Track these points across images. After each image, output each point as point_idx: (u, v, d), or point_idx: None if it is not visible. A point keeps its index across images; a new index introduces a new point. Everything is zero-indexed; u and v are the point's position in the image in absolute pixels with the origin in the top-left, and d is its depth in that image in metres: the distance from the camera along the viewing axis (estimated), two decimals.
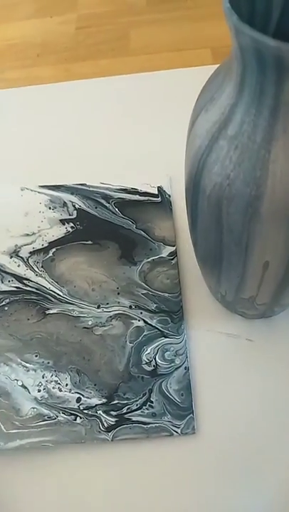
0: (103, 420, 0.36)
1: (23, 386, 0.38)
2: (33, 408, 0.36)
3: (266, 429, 0.35)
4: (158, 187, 0.49)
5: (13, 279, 0.44)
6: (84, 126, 0.55)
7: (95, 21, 0.62)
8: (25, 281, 0.44)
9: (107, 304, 0.42)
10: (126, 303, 0.41)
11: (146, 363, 0.38)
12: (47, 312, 0.42)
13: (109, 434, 0.35)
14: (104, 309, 0.41)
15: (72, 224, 0.48)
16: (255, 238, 0.28)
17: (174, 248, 0.44)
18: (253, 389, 0.36)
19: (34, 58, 0.63)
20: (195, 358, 0.39)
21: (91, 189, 0.50)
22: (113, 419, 0.36)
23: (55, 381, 0.38)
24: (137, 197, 0.49)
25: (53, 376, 0.38)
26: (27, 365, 0.39)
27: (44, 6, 0.65)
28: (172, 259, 0.44)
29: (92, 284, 0.43)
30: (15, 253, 0.46)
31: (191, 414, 0.36)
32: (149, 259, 0.44)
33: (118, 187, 0.50)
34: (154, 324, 0.40)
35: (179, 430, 0.35)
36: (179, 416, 0.36)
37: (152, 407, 0.36)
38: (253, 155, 0.24)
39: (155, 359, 0.38)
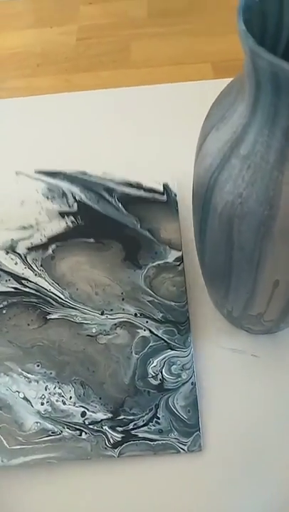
0: (109, 436, 0.35)
1: (25, 399, 0.36)
2: (37, 423, 0.35)
3: (273, 445, 0.35)
4: (164, 184, 0.47)
5: (11, 278, 0.41)
6: (84, 138, 0.54)
7: (96, 33, 0.62)
8: (23, 282, 0.41)
9: (112, 310, 0.40)
10: (131, 310, 0.40)
11: (153, 377, 0.37)
12: (48, 317, 0.39)
13: (116, 450, 0.35)
14: (109, 316, 0.40)
15: (72, 218, 0.45)
16: (267, 256, 0.28)
17: (180, 253, 0.43)
18: (260, 404, 0.37)
19: (34, 68, 0.61)
20: (200, 373, 0.39)
21: (92, 179, 0.47)
22: (119, 436, 0.35)
23: (59, 393, 0.36)
24: (141, 193, 0.46)
25: (56, 388, 0.37)
26: (28, 375, 0.37)
27: (45, 16, 0.66)
28: (178, 265, 0.42)
29: (95, 288, 0.41)
30: (11, 248, 0.43)
31: (198, 432, 0.36)
32: (154, 264, 0.42)
33: (121, 180, 0.47)
34: (160, 335, 0.39)
35: (185, 448, 0.35)
36: (186, 433, 0.35)
37: (159, 423, 0.36)
38: (266, 175, 0.24)
39: (162, 372, 0.37)
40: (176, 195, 0.47)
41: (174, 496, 0.34)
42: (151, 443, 0.35)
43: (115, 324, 0.39)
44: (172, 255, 0.43)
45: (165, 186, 0.47)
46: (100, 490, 0.34)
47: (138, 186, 0.46)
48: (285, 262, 0.28)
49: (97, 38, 0.62)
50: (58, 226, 0.45)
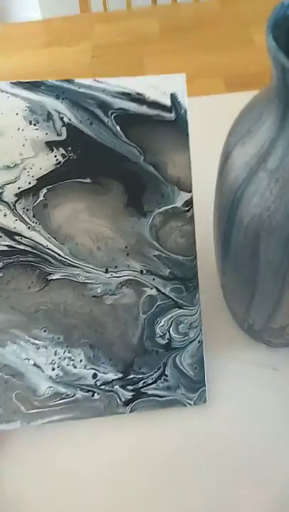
0: (120, 395, 0.37)
1: (35, 365, 0.37)
2: (50, 387, 0.37)
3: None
4: (171, 94, 0.38)
5: (2, 234, 0.37)
6: None
7: (110, 50, 0.65)
8: (16, 238, 0.37)
9: (116, 267, 0.38)
10: (137, 267, 0.38)
11: (160, 336, 0.38)
12: (49, 278, 0.37)
13: (127, 407, 0.38)
14: (114, 274, 0.38)
15: (62, 151, 0.38)
16: None
17: (190, 196, 0.38)
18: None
19: None
20: (217, 385, 0.39)
21: (81, 89, 0.38)
22: (130, 394, 0.38)
23: (69, 357, 0.37)
24: (144, 109, 0.38)
25: (66, 352, 0.37)
26: (36, 342, 0.37)
27: (60, 35, 0.68)
28: (187, 210, 0.38)
29: (96, 241, 0.38)
30: None
31: (204, 387, 0.38)
32: (161, 210, 0.38)
33: (118, 89, 0.38)
34: (167, 293, 0.38)
35: (191, 402, 0.38)
36: (192, 389, 0.38)
37: (167, 380, 0.38)
38: None
39: (169, 332, 0.38)
40: (186, 112, 0.39)
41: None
42: (160, 399, 0.38)
43: (121, 283, 0.38)
44: (181, 198, 0.38)
45: (173, 98, 0.39)
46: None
47: (139, 99, 0.38)
48: None
49: (112, 55, 0.64)
50: (47, 162, 0.38)
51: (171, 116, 0.38)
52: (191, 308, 0.38)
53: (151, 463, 0.37)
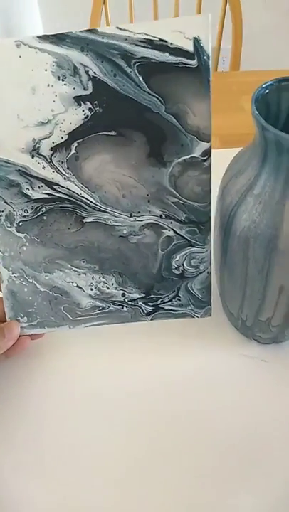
0: (143, 308, 0.49)
1: (78, 287, 0.48)
2: (90, 302, 0.49)
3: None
4: (194, 38, 0.39)
5: (43, 184, 0.45)
6: None
7: None
8: (55, 187, 0.45)
9: (139, 212, 0.45)
10: (157, 212, 0.45)
11: (176, 268, 0.47)
12: (84, 221, 0.46)
13: (148, 317, 0.50)
14: (137, 218, 0.46)
15: (89, 105, 0.42)
16: (274, 266, 0.37)
17: (209, 145, 0.42)
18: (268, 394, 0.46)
19: None
20: (218, 378, 0.47)
21: (105, 39, 0.41)
22: (150, 308, 0.49)
23: (103, 281, 0.48)
24: (166, 57, 0.40)
25: (101, 278, 0.48)
26: (77, 269, 0.48)
27: None
28: (205, 160, 0.43)
29: (122, 190, 0.45)
30: (35, 151, 0.44)
31: (209, 306, 0.49)
32: (179, 160, 0.43)
33: (141, 36, 0.39)
34: (183, 234, 0.46)
35: (199, 315, 0.49)
36: (200, 307, 0.49)
37: (180, 300, 0.49)
38: (272, 208, 0.35)
39: (183, 265, 0.47)
40: (209, 58, 0.40)
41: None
42: (174, 312, 0.49)
43: (143, 226, 0.46)
44: (200, 148, 0.42)
45: (196, 43, 0.40)
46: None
47: (162, 46, 0.38)
48: (287, 270, 0.36)
49: None
50: (76, 117, 0.42)
51: (194, 62, 0.39)
52: (203, 246, 0.45)
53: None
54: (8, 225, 0.44)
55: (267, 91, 0.35)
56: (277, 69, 0.88)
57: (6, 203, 0.43)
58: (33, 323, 0.46)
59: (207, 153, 0.41)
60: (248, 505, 0.36)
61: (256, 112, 0.33)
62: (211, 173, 0.42)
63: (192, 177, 0.42)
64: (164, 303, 0.46)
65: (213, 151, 0.41)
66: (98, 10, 1.18)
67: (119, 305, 0.46)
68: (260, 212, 0.35)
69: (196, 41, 0.38)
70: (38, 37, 0.39)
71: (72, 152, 0.41)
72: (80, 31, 0.39)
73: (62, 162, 0.42)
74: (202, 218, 0.43)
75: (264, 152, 0.34)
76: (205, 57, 0.38)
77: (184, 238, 0.44)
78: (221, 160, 0.42)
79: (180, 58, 0.39)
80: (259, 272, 0.37)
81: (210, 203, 0.43)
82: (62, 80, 0.40)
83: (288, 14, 1.65)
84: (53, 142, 0.41)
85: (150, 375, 0.45)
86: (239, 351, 0.45)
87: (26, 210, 0.43)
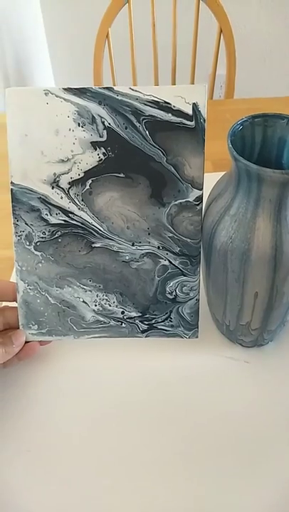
0: (139, 326, 0.55)
1: (83, 302, 0.55)
2: (93, 316, 0.55)
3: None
4: (193, 104, 0.46)
5: (60, 212, 0.52)
6: None
7: None
8: (70, 215, 0.52)
9: (140, 242, 0.52)
10: (155, 243, 0.52)
11: (169, 293, 0.54)
12: (93, 245, 0.53)
13: (144, 334, 0.56)
14: (138, 247, 0.53)
15: (103, 150, 0.50)
16: (248, 275, 0.43)
17: (201, 193, 0.49)
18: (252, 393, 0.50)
19: None
20: (205, 376, 0.52)
21: (119, 97, 0.48)
22: (146, 326, 0.55)
23: (106, 299, 0.55)
24: (169, 116, 0.47)
25: (104, 296, 0.55)
26: (84, 287, 0.54)
27: None
28: (198, 204, 0.50)
29: (126, 222, 0.52)
30: (55, 183, 0.51)
31: (196, 328, 0.55)
32: (176, 202, 0.50)
33: (149, 98, 0.46)
34: (176, 265, 0.53)
35: (187, 336, 0.55)
36: (189, 328, 0.55)
37: (171, 321, 0.55)
38: (245, 225, 0.40)
39: (176, 291, 0.53)
40: (204, 121, 0.47)
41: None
42: (166, 332, 0.55)
43: (143, 254, 0.52)
44: (193, 194, 0.49)
45: (194, 107, 0.47)
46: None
47: (166, 107, 0.45)
48: (259, 278, 0.42)
49: None
50: (92, 159, 0.50)
51: (192, 124, 0.46)
52: (193, 276, 0.52)
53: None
54: (27, 243, 0.51)
55: (241, 127, 0.40)
56: (268, 96, 0.96)
57: (26, 224, 0.51)
58: (42, 331, 0.54)
59: (199, 199, 0.48)
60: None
61: (230, 145, 0.38)
62: (202, 215, 0.49)
63: (186, 217, 0.49)
64: (158, 323, 0.53)
65: (206, 174, 0.47)
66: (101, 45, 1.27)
67: (119, 321, 0.53)
68: (236, 229, 0.40)
69: (195, 106, 0.45)
70: (64, 88, 0.47)
71: (86, 187, 0.49)
72: (99, 88, 0.47)
73: (77, 195, 0.49)
74: (193, 252, 0.50)
75: (238, 179, 0.39)
76: (201, 120, 0.46)
77: (177, 268, 0.50)
78: (213, 182, 0.46)
79: (181, 119, 0.46)
80: (236, 280, 0.42)
81: (200, 239, 0.50)
82: (82, 127, 0.48)
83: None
84: (71, 178, 0.49)
85: (147, 378, 0.50)
86: (225, 354, 0.50)
87: (44, 232, 0.51)
